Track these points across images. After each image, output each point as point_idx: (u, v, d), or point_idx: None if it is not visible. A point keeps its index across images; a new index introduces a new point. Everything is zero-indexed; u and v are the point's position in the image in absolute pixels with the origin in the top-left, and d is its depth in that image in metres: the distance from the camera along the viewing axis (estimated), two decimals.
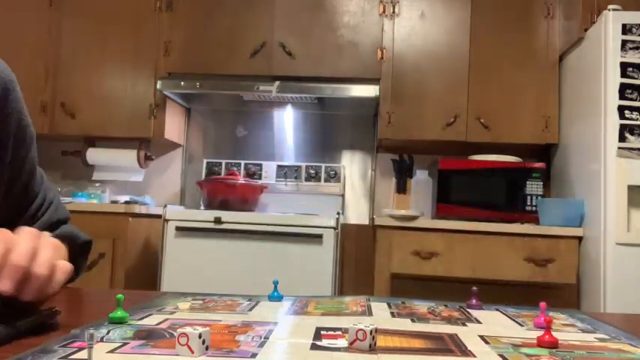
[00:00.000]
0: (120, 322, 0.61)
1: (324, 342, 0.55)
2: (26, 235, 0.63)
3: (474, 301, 0.80)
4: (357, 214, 3.27)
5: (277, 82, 2.89)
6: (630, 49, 2.35)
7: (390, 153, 3.19)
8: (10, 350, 0.50)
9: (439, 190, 2.80)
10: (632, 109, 2.34)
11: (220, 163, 3.26)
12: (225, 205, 2.83)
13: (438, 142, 2.92)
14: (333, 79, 2.94)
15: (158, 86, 2.95)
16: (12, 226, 0.66)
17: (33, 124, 0.87)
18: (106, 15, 3.08)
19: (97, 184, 3.30)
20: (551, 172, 3.01)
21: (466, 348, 0.55)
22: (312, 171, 3.21)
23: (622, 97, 2.34)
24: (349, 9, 2.98)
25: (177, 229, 2.66)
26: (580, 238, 2.51)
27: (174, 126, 3.21)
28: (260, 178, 3.20)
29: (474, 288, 0.82)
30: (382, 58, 2.93)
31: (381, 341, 0.56)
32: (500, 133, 2.86)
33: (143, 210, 2.87)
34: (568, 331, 0.67)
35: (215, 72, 3.00)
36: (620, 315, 0.96)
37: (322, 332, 0.59)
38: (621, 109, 2.34)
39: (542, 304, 0.68)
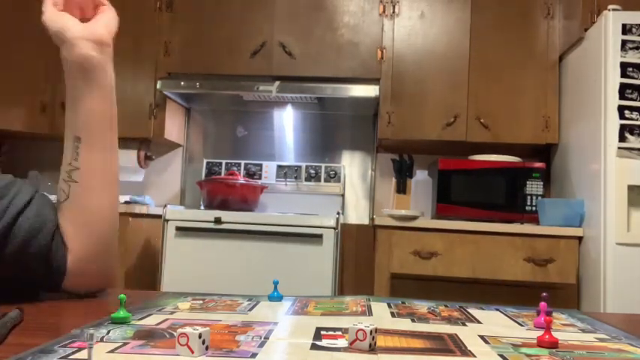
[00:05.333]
0: (122, 322, 0.61)
1: (324, 342, 0.55)
2: None
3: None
4: (357, 214, 3.27)
5: (277, 82, 2.89)
6: (630, 49, 2.35)
7: (390, 153, 3.19)
8: (10, 350, 0.50)
9: (439, 190, 2.80)
10: (632, 109, 2.34)
11: (220, 163, 3.26)
12: (225, 205, 2.83)
13: (438, 142, 2.92)
14: (333, 79, 2.94)
15: (158, 86, 2.95)
16: None
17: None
18: None
19: None
20: (551, 172, 3.01)
21: (466, 348, 0.55)
22: (312, 171, 3.21)
23: (622, 97, 2.34)
24: (349, 9, 2.98)
25: (177, 229, 2.66)
26: (580, 238, 2.51)
27: (174, 126, 3.21)
28: (260, 178, 3.20)
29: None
30: (382, 58, 2.93)
31: (381, 341, 0.56)
32: (500, 133, 2.86)
33: (143, 210, 2.87)
34: (568, 331, 0.67)
35: (215, 72, 3.01)
36: (620, 315, 0.96)
37: (322, 332, 0.59)
38: (621, 109, 2.34)
39: (543, 304, 0.67)
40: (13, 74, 3.05)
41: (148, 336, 0.55)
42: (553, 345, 0.56)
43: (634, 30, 2.36)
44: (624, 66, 2.35)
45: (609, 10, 2.39)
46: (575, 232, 2.51)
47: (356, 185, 3.30)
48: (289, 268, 2.59)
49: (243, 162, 3.26)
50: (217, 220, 2.66)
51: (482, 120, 2.86)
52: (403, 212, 2.63)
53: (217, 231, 2.65)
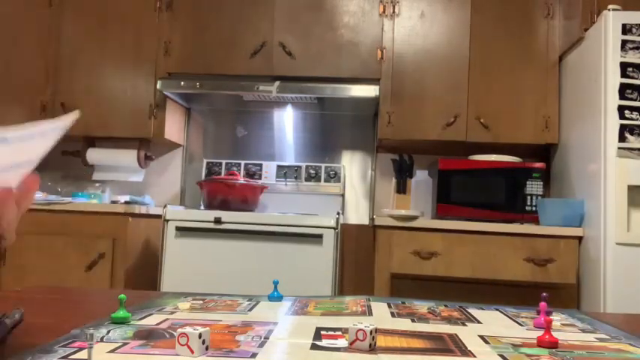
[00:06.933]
0: (122, 322, 0.61)
1: (324, 342, 0.55)
2: None
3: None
4: (357, 214, 3.27)
5: (277, 82, 2.89)
6: (630, 49, 2.35)
7: (390, 153, 3.19)
8: (10, 350, 0.50)
9: (439, 190, 2.80)
10: (632, 109, 2.33)
11: (220, 163, 3.26)
12: (225, 205, 2.83)
13: (438, 142, 2.92)
14: (333, 79, 2.94)
15: (158, 86, 2.95)
16: None
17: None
18: (106, 15, 3.08)
19: (97, 184, 3.30)
20: (551, 172, 3.01)
21: (466, 348, 0.55)
22: (312, 171, 3.21)
23: (622, 97, 2.34)
24: (349, 9, 2.98)
25: (177, 229, 2.66)
26: (580, 238, 2.51)
27: (174, 126, 3.21)
28: (260, 178, 3.20)
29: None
30: (382, 58, 2.93)
31: (381, 341, 0.56)
32: (500, 133, 2.86)
33: (143, 210, 2.87)
34: (568, 331, 0.67)
35: (215, 72, 3.00)
36: (620, 315, 0.96)
37: (322, 332, 0.59)
38: (621, 109, 2.34)
39: (543, 304, 0.68)
40: (13, 74, 3.06)
41: (148, 336, 0.55)
42: (553, 345, 0.57)
43: (634, 30, 2.36)
44: (624, 66, 2.35)
45: (609, 10, 2.39)
46: (575, 232, 2.51)
47: (356, 185, 3.30)
48: (289, 268, 2.59)
49: (243, 162, 3.26)
50: (217, 220, 2.66)
51: (482, 120, 2.86)
52: (403, 212, 2.63)
53: (217, 231, 2.65)
